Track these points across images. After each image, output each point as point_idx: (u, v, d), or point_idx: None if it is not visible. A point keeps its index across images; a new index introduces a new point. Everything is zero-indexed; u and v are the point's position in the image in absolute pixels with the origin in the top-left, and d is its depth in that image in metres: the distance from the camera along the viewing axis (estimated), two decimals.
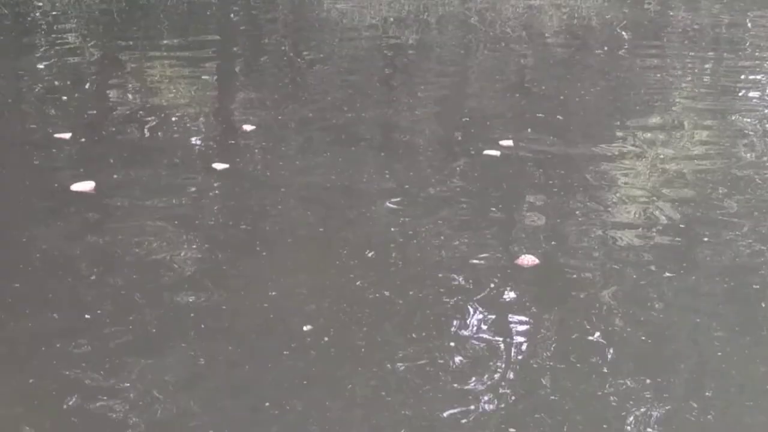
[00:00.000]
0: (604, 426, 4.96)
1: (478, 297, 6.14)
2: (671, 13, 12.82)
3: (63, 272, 6.30)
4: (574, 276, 6.45)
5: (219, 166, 7.78)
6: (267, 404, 5.08)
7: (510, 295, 6.18)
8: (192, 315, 5.84)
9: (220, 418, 4.96)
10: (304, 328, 5.65)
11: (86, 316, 5.74)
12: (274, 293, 6.07)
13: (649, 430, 4.95)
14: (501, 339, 5.71)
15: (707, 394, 5.28)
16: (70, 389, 5.09)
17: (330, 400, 5.11)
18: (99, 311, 5.80)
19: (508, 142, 8.36)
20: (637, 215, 7.38)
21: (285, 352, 5.47)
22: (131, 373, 5.26)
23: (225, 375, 5.32)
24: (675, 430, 4.95)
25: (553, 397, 5.20)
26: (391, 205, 7.30)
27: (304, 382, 5.24)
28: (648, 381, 5.34)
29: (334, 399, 5.13)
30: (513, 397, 5.22)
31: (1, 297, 5.97)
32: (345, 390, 5.21)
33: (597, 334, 5.75)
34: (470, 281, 6.32)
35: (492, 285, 6.26)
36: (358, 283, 6.23)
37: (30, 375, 5.20)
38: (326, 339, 5.58)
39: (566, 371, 5.43)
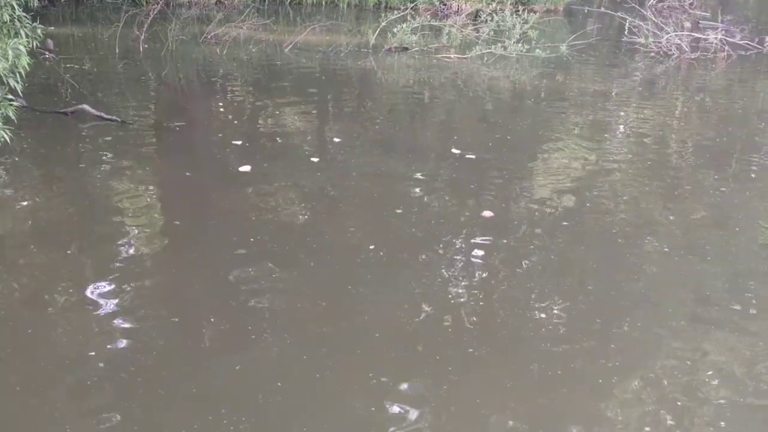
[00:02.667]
0: (531, 298, 5.08)
1: (460, 231, 6.20)
2: (568, 82, 12.73)
3: (235, 215, 6.36)
4: (515, 222, 6.50)
5: (315, 159, 7.81)
6: (349, 287, 5.18)
7: (477, 232, 6.20)
8: (307, 239, 5.91)
9: (319, 290, 5.07)
10: (370, 247, 5.72)
11: (251, 239, 5.82)
12: (352, 229, 6.13)
13: (554, 307, 5.04)
14: (471, 252, 5.78)
15: (589, 287, 5.38)
16: (235, 276, 5.22)
17: (385, 287, 5.21)
18: (258, 236, 5.88)
19: (457, 150, 8.25)
20: (549, 191, 7.34)
21: (357, 260, 5.54)
22: (261, 268, 5.38)
23: (323, 273, 5.37)
24: (570, 303, 5.07)
25: (503, 287, 5.30)
26: (412, 183, 7.28)
27: (369, 277, 5.33)
28: (554, 282, 5.44)
29: (387, 286, 5.23)
30: (476, 279, 5.34)
31: (203, 230, 6.08)
32: (394, 281, 5.31)
33: (525, 254, 5.83)
34: (455, 223, 6.36)
35: (467, 227, 6.30)
36: (397, 223, 6.28)
37: (217, 270, 5.32)
38: (381, 253, 5.66)
39: (507, 273, 5.54)
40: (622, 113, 10.76)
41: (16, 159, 7.28)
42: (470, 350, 4.49)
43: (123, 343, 4.40)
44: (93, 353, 4.25)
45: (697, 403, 4.19)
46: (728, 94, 12.40)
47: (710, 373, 4.46)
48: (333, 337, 4.57)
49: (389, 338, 4.58)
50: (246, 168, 7.34)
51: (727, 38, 16.23)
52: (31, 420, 3.76)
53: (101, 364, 4.16)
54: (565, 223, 6.47)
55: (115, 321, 4.59)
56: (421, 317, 4.82)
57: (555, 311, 4.98)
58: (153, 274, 5.26)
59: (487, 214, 6.52)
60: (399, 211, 6.51)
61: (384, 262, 5.54)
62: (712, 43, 16.26)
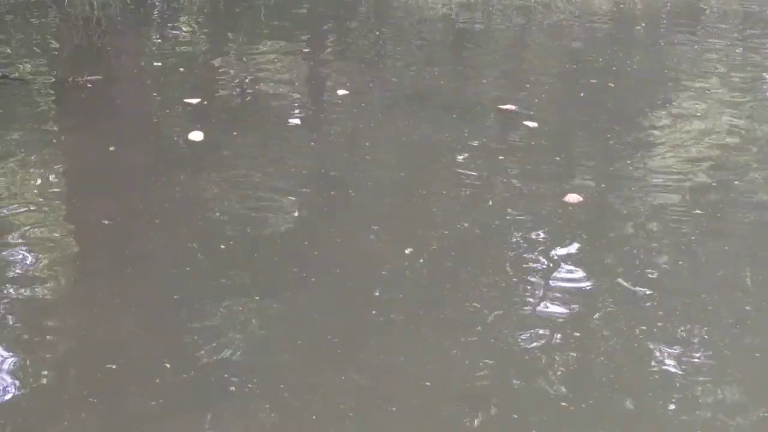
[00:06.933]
0: (648, 332, 5.05)
1: (534, 226, 6.32)
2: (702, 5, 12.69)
3: (190, 208, 6.40)
4: (618, 211, 6.66)
5: (300, 122, 7.95)
6: (374, 312, 5.17)
7: (559, 227, 6.30)
8: (304, 242, 5.96)
9: (326, 321, 5.11)
10: (405, 252, 5.73)
11: (220, 246, 5.82)
12: (374, 227, 6.13)
13: (683, 350, 5.03)
14: (550, 258, 5.92)
15: (747, 308, 5.35)
16: (196, 302, 5.22)
17: (430, 313, 5.26)
18: (228, 241, 5.93)
19: (510, 107, 8.34)
20: (673, 165, 7.34)
21: (384, 273, 5.59)
22: (235, 289, 5.45)
23: (332, 295, 5.41)
24: (716, 341, 5.06)
25: (604, 314, 5.29)
26: (459, 156, 7.28)
27: (403, 297, 5.38)
28: (685, 306, 5.40)
29: (433, 311, 5.28)
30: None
31: (143, 232, 6.09)
32: (442, 303, 5.37)
33: (634, 261, 5.87)
34: (528, 213, 6.47)
35: (544, 219, 6.42)
36: (441, 218, 6.28)
37: (170, 292, 5.32)
38: (421, 261, 5.66)
39: (609, 291, 5.60)
40: None
41: None
42: (564, 404, 4.50)
43: (43, 399, 4.40)
44: None
45: None
46: None
47: None
48: (352, 390, 4.52)
49: (438, 391, 4.52)
50: (198, 136, 7.36)
51: None
52: None
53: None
54: (698, 212, 6.44)
55: (26, 366, 4.60)
56: (485, 360, 4.76)
57: (689, 355, 4.91)
58: (74, 300, 5.26)
59: (573, 198, 6.54)
60: (442, 198, 6.50)
61: (425, 274, 5.50)
62: None
